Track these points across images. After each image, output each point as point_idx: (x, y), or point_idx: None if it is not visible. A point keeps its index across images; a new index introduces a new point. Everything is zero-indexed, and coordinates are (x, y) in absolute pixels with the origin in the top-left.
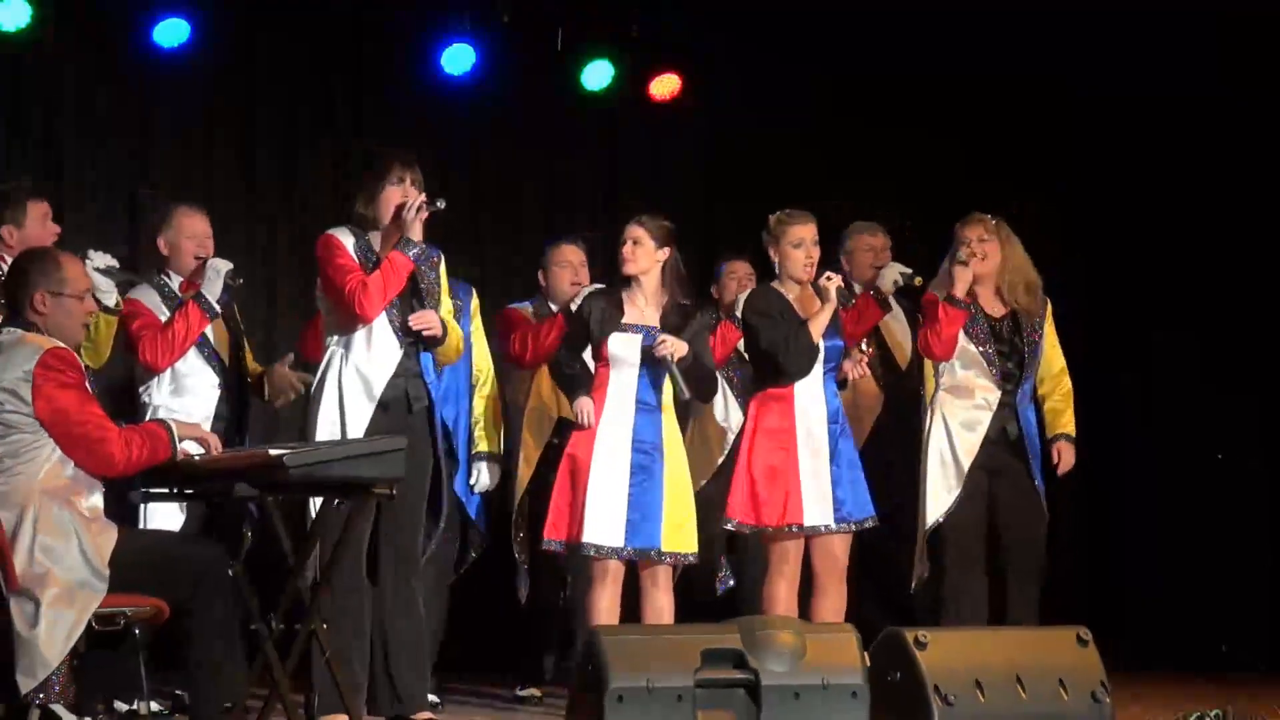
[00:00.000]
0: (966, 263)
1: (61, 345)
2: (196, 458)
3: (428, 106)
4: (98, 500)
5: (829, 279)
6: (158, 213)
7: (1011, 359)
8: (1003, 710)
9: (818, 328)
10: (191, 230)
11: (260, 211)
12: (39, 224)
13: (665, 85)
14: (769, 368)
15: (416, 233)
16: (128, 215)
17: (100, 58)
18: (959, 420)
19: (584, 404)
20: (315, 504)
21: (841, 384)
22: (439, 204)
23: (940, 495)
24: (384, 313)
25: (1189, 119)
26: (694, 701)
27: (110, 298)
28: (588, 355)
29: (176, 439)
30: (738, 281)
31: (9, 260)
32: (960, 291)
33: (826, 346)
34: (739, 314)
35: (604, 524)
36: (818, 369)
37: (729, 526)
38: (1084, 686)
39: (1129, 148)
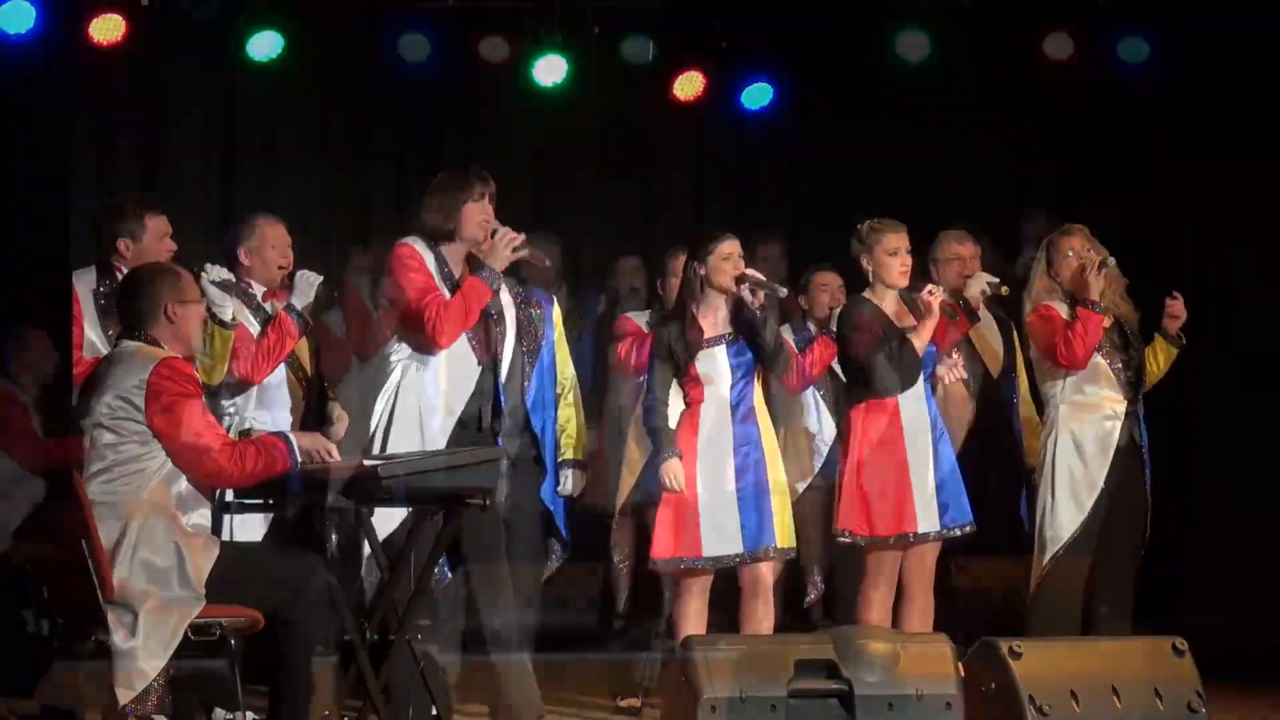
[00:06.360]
0: (1100, 269)
1: (177, 356)
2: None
3: (516, 117)
4: (203, 516)
5: (931, 293)
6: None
7: (1130, 368)
8: None
9: (921, 342)
10: (275, 239)
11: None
12: (157, 239)
13: (755, 96)
14: (870, 383)
15: (501, 264)
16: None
17: (199, 71)
18: (1089, 435)
19: (673, 468)
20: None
21: (933, 387)
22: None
23: (1071, 513)
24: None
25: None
26: (787, 711)
27: (226, 312)
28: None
29: (297, 451)
30: (830, 294)
31: (123, 272)
32: (1097, 295)
33: (924, 354)
34: (834, 328)
35: (719, 534)
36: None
37: (844, 539)
38: (1180, 697)
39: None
